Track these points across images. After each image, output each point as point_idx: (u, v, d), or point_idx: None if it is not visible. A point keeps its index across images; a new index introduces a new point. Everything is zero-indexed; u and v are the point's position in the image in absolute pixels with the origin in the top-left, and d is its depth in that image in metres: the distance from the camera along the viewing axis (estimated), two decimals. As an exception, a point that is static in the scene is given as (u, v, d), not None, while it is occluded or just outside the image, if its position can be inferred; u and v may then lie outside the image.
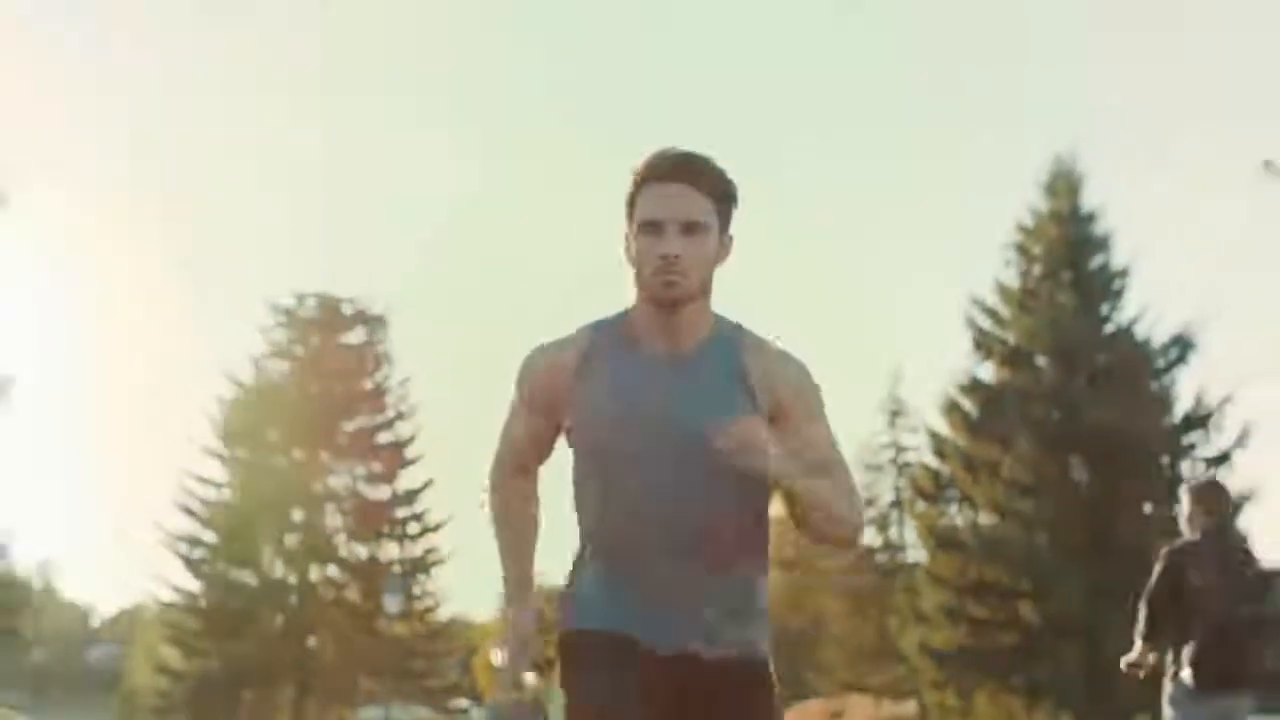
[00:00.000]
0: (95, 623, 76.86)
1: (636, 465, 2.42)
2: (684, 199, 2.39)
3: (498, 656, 2.59)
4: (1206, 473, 5.38)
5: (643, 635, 2.45)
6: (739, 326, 2.52)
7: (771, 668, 2.53)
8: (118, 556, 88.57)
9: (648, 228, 2.40)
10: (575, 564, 2.57)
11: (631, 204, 2.45)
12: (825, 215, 74.57)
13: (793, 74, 78.74)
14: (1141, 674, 5.57)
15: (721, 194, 2.44)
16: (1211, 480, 5.82)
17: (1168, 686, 5.49)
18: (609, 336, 2.50)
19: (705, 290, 2.45)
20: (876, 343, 70.60)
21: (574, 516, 2.57)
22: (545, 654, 2.59)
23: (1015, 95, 72.67)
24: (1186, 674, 5.37)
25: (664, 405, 2.42)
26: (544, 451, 2.63)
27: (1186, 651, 5.39)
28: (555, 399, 2.51)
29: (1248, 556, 5.60)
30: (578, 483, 2.53)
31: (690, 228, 2.39)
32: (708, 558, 2.43)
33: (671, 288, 2.39)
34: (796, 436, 2.48)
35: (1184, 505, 5.70)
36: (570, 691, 2.49)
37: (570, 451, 2.56)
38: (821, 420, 2.52)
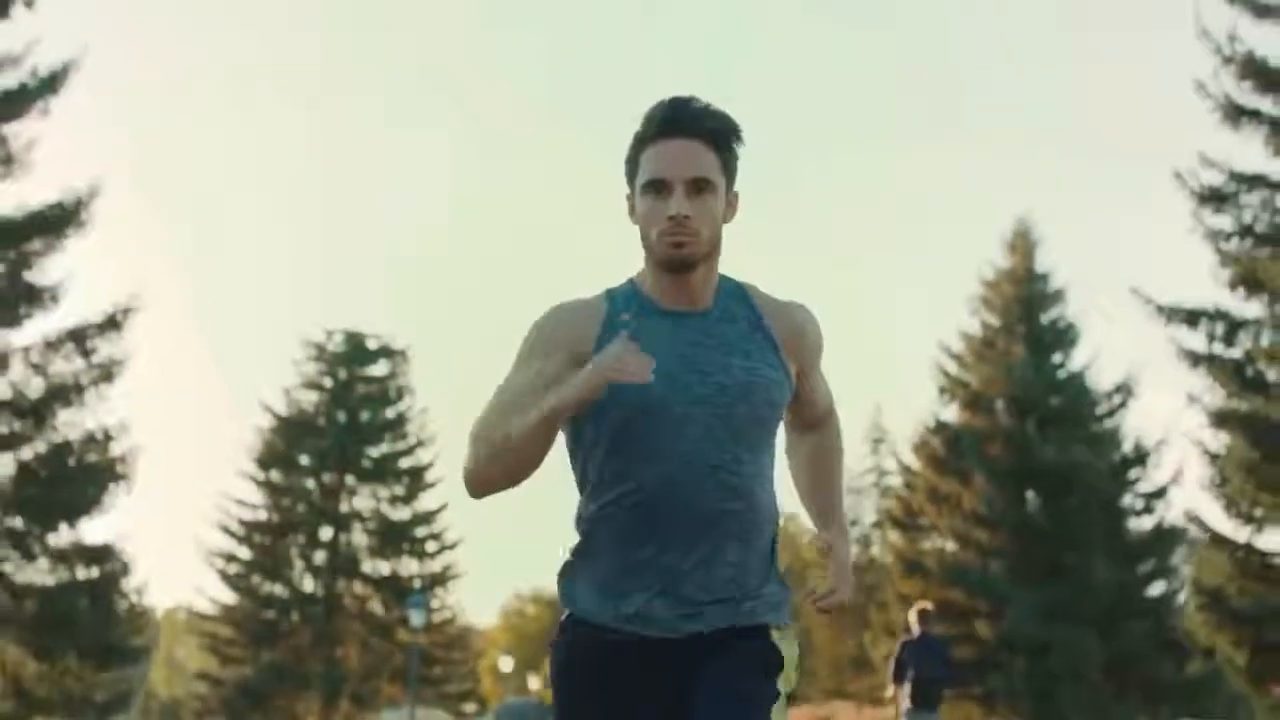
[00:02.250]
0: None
1: (673, 424, 2.21)
2: (690, 156, 2.20)
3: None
4: (922, 602, 10.29)
5: (660, 617, 2.22)
6: (742, 282, 2.36)
7: (783, 637, 2.31)
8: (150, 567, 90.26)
9: (653, 188, 2.21)
10: (577, 549, 2.32)
11: (634, 163, 2.26)
12: (829, 237, 77.03)
13: (785, 113, 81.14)
14: (893, 704, 10.44)
15: (728, 147, 2.26)
16: (924, 609, 10.41)
17: (901, 706, 11.12)
18: (626, 300, 2.30)
19: (715, 249, 2.27)
20: (866, 371, 73.00)
21: (574, 498, 2.34)
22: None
23: (1007, 139, 75.32)
24: (907, 702, 10.98)
25: (695, 360, 2.24)
26: None
27: (907, 689, 11.00)
28: (580, 350, 2.25)
29: (937, 645, 10.74)
30: (590, 450, 2.28)
31: (698, 185, 2.20)
32: (743, 519, 2.24)
33: (682, 249, 2.20)
34: (813, 390, 2.43)
35: (910, 617, 10.49)
36: (562, 709, 2.31)
37: (565, 432, 2.32)
38: (819, 368, 2.44)
